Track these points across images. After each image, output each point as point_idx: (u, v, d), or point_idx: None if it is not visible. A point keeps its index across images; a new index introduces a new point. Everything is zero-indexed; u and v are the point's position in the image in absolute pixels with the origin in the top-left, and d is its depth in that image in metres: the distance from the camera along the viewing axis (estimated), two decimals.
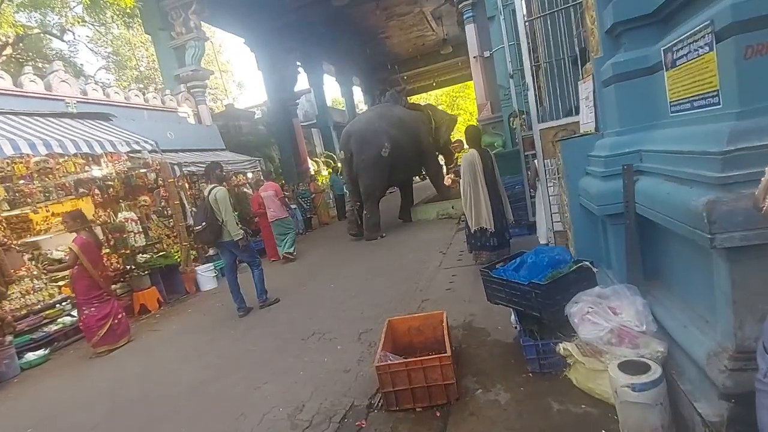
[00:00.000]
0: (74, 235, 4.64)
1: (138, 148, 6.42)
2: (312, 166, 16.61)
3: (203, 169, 6.08)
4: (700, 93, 1.76)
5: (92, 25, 15.38)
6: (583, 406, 2.15)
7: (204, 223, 4.73)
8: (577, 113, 3.82)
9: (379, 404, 2.62)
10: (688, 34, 1.77)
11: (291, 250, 7.73)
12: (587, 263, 2.51)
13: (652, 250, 2.31)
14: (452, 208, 8.67)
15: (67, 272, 4.85)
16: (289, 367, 3.38)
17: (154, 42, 11.00)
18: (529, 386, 2.43)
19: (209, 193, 4.75)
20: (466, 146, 7.61)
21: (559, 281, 2.44)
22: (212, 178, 5.00)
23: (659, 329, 2.02)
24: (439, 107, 13.08)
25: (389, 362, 2.52)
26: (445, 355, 2.44)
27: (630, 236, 2.25)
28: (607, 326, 1.99)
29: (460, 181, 4.53)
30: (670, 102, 2.07)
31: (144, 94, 9.05)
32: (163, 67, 10.83)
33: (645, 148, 2.21)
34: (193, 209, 7.64)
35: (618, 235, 2.39)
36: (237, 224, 4.86)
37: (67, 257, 4.66)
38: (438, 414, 2.40)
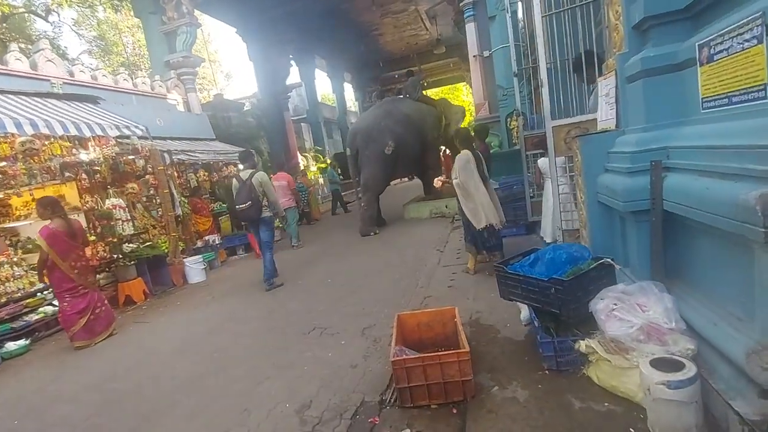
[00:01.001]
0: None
1: (128, 133, 6.16)
2: (301, 161, 16.39)
3: (237, 155, 6.73)
4: (741, 88, 1.74)
5: (78, 6, 14.80)
6: (606, 404, 2.11)
7: (249, 202, 5.32)
8: (578, 113, 3.85)
9: (392, 400, 2.54)
10: (731, 27, 1.74)
11: (296, 242, 8.21)
12: (609, 260, 2.49)
13: (675, 247, 2.30)
14: (446, 207, 8.64)
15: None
16: (291, 362, 3.27)
17: (144, 26, 10.62)
18: (547, 384, 2.39)
19: (250, 176, 5.41)
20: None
21: (581, 278, 2.41)
22: (247, 163, 5.73)
23: (687, 327, 2.00)
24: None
25: (405, 357, 2.44)
26: (464, 350, 2.38)
27: (655, 233, 2.23)
28: (637, 323, 1.96)
29: (454, 181, 4.50)
30: (702, 98, 2.05)
31: (133, 78, 8.73)
32: (152, 52, 10.47)
33: (673, 145, 2.19)
34: (182, 198, 7.44)
35: (641, 232, 2.37)
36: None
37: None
38: (455, 411, 2.33)
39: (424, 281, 4.77)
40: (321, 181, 16.34)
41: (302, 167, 15.45)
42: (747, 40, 1.67)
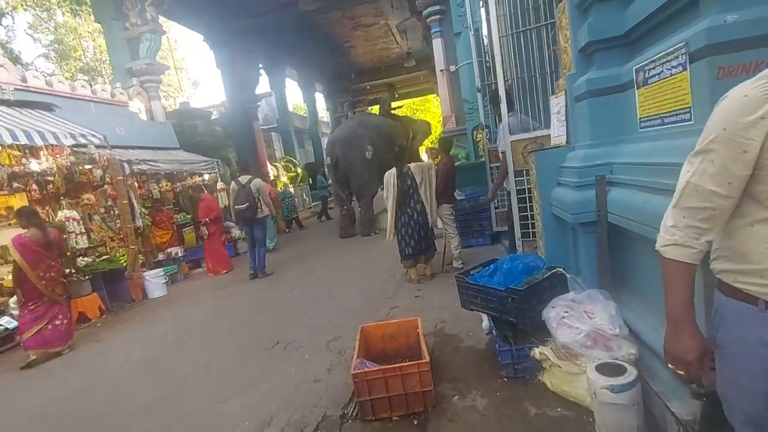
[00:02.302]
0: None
1: (84, 141, 5.91)
2: (272, 171, 16.16)
3: (239, 163, 7.82)
4: (671, 110, 1.89)
5: (34, 8, 14.12)
6: (558, 409, 2.19)
7: (246, 203, 6.24)
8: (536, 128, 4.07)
9: (353, 414, 2.53)
10: (662, 54, 1.89)
11: (272, 245, 8.68)
12: (560, 269, 2.60)
13: (620, 257, 2.43)
14: None
15: None
16: (253, 380, 3.20)
17: (105, 32, 10.25)
18: (505, 391, 2.46)
19: (248, 182, 6.34)
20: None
21: (535, 287, 2.50)
22: (245, 171, 6.76)
23: (630, 332, 2.11)
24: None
25: (366, 369, 2.44)
26: (424, 361, 2.41)
27: (601, 243, 2.36)
28: (584, 329, 2.06)
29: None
30: (639, 118, 2.21)
31: (92, 85, 8.40)
32: (114, 59, 10.11)
33: (616, 161, 2.34)
34: (143, 210, 7.18)
35: (589, 243, 2.50)
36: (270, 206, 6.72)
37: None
38: (416, 422, 2.35)
39: (392, 292, 4.80)
40: (291, 190, 16.16)
41: (272, 177, 15.24)
42: (674, 67, 1.82)
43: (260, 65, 15.34)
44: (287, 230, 11.28)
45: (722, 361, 1.11)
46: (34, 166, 5.69)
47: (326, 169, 9.17)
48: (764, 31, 1.47)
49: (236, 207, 6.37)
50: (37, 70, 7.88)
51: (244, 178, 6.45)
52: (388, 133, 9.03)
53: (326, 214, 12.80)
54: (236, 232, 9.58)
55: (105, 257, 6.31)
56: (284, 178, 16.72)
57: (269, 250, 8.22)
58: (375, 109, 15.62)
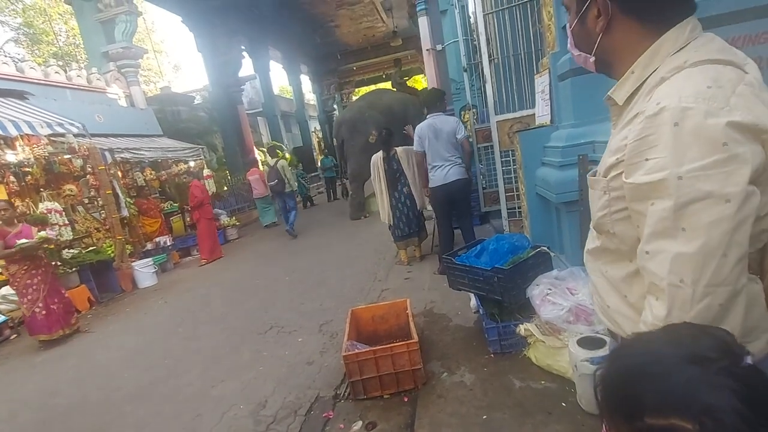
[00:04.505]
0: None
1: (61, 130, 5.75)
2: (259, 157, 15.94)
3: (267, 149, 9.48)
4: None
5: None
6: (542, 382, 2.27)
7: (276, 180, 7.95)
8: (524, 107, 4.06)
9: (346, 394, 2.59)
10: None
11: (275, 220, 9.89)
12: (545, 248, 2.65)
13: None
14: None
15: None
16: (247, 363, 3.24)
17: (77, 14, 9.83)
18: (492, 366, 2.53)
19: (275, 163, 8.08)
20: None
21: (520, 266, 2.56)
22: (274, 155, 8.44)
23: None
24: None
25: (357, 351, 2.49)
26: (413, 341, 2.47)
27: (584, 221, 2.41)
28: (567, 306, 2.12)
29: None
30: None
31: (66, 71, 8.11)
32: (88, 43, 9.73)
33: (598, 140, 2.37)
34: (127, 199, 7.08)
35: (572, 221, 2.55)
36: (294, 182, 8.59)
37: None
38: (406, 399, 2.42)
39: (383, 274, 4.85)
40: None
41: (260, 162, 15.04)
42: None
43: (242, 47, 14.93)
44: (309, 205, 12.82)
45: None
46: (11, 157, 5.53)
47: (336, 151, 9.46)
48: (742, 5, 1.48)
49: (268, 183, 8.09)
50: (6, 56, 7.57)
51: (272, 161, 8.16)
52: (401, 113, 8.66)
53: (334, 192, 13.36)
54: (225, 219, 9.52)
55: (91, 248, 6.25)
56: (272, 163, 16.50)
57: (269, 225, 9.81)
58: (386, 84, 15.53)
